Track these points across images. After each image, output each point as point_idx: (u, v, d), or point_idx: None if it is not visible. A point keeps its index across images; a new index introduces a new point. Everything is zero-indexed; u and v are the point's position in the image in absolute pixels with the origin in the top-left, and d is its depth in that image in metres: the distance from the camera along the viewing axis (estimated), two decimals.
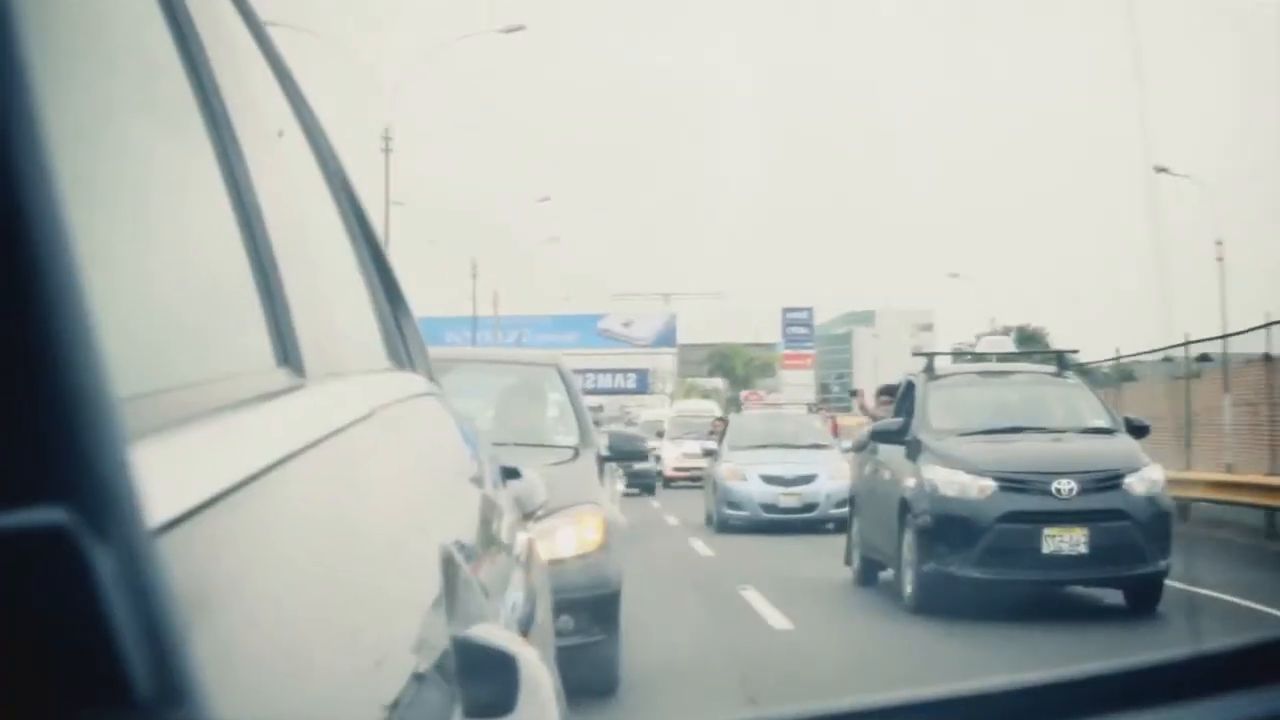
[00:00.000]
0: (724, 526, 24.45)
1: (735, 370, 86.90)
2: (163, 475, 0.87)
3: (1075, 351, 17.59)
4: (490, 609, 2.01)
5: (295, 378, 1.58)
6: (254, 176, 1.63)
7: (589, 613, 8.63)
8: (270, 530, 1.14)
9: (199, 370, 1.30)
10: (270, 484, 1.16)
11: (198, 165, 1.52)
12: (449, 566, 1.70)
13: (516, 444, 8.67)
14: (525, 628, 2.52)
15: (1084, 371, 20.57)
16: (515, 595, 2.54)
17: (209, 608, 0.85)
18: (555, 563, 8.03)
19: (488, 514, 2.63)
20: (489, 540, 2.54)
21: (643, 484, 35.39)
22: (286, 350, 1.60)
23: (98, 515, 0.60)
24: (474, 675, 1.52)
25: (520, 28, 45.01)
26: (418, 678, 1.34)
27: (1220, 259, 45.76)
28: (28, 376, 0.60)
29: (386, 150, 42.84)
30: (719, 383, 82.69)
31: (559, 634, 7.78)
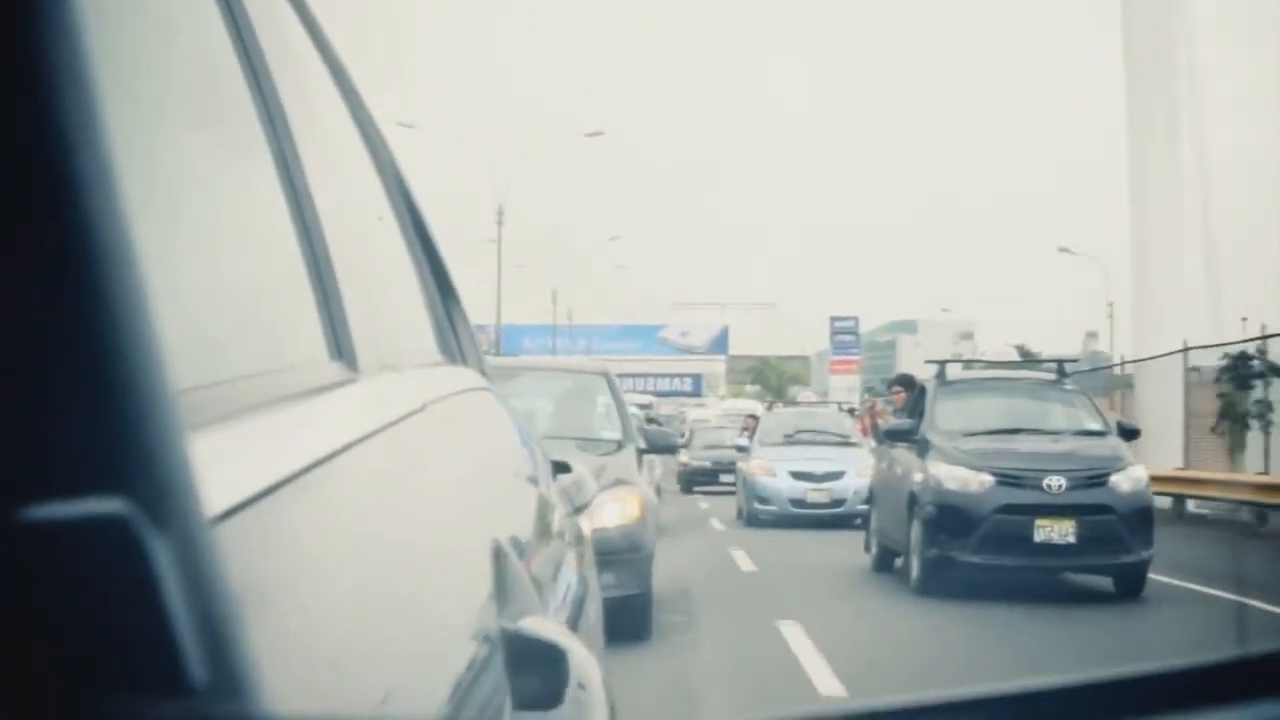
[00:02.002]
0: (753, 521, 24.05)
1: (770, 380, 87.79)
2: (219, 466, 0.85)
3: (1074, 360, 18.12)
4: (541, 602, 1.91)
5: (348, 371, 1.50)
6: (308, 172, 1.55)
7: (628, 571, 9.99)
8: (324, 522, 1.09)
9: (254, 363, 1.24)
10: (324, 477, 1.11)
11: (253, 162, 1.46)
12: (500, 560, 1.61)
13: (571, 438, 10.47)
14: (579, 608, 2.50)
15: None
16: (569, 577, 2.49)
17: (265, 599, 0.82)
18: (600, 530, 9.33)
19: (541, 504, 2.58)
20: (543, 530, 2.50)
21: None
22: (340, 344, 1.52)
23: (156, 506, 0.57)
24: (524, 668, 1.44)
25: (600, 133, 45.55)
26: (469, 670, 1.28)
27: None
28: (90, 370, 0.58)
29: (500, 223, 44.30)
30: (755, 389, 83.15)
31: (605, 588, 8.73)
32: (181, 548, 0.60)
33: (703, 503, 28.57)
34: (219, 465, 0.86)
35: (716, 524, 22.40)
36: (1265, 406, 24.69)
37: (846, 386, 73.12)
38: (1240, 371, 25.55)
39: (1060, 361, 16.86)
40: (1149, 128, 40.54)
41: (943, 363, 15.95)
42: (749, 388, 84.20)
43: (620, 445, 11.39)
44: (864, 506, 22.65)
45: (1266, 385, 24.96)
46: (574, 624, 2.31)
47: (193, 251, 1.19)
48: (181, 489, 0.62)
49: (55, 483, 0.57)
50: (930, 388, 15.29)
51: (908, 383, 17.04)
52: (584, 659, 1.67)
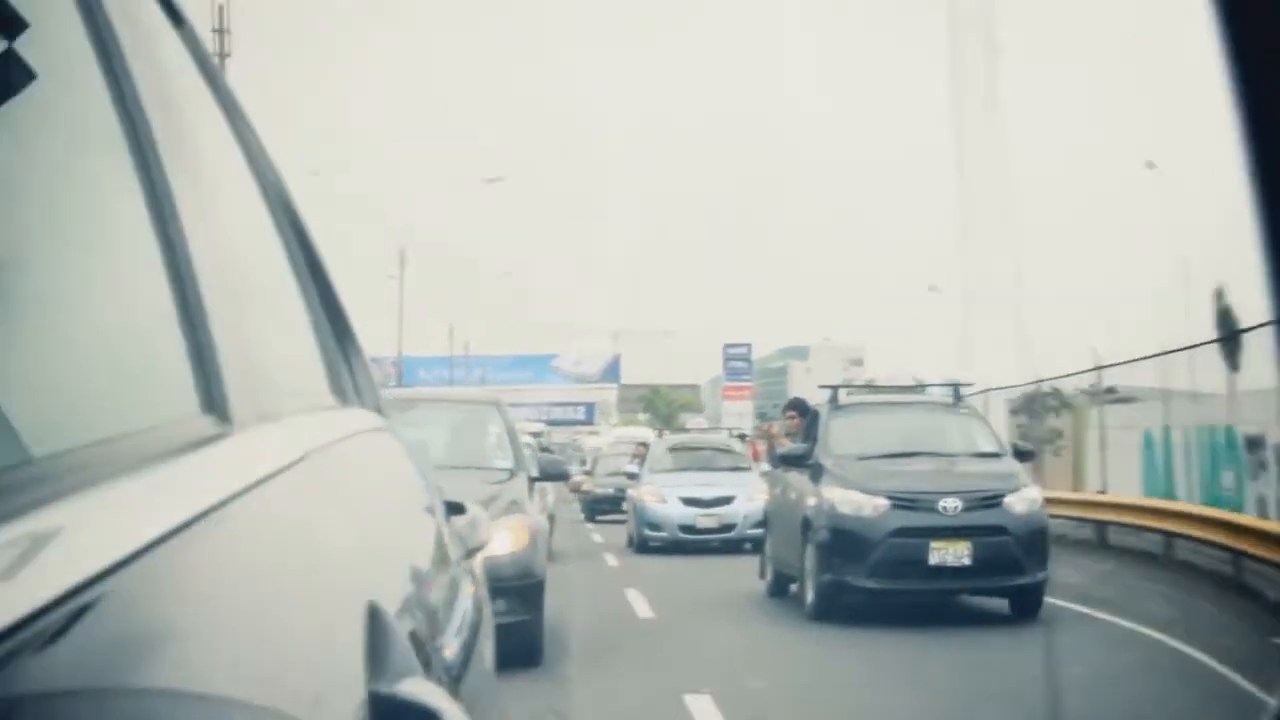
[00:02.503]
0: (644, 547, 24.07)
1: (660, 408, 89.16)
2: (65, 541, 0.80)
3: (969, 384, 17.98)
4: (430, 649, 1.86)
5: (220, 425, 1.39)
6: (179, 205, 1.43)
7: (518, 597, 10.09)
8: (184, 589, 1.00)
9: (114, 424, 1.15)
10: (186, 541, 1.03)
11: (111, 186, 1.34)
12: (375, 621, 1.53)
13: (464, 466, 10.63)
14: (476, 631, 2.48)
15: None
16: (465, 603, 2.47)
17: (105, 681, 0.76)
18: (491, 558, 9.03)
19: (436, 541, 2.52)
20: (442, 560, 2.45)
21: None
22: (212, 395, 1.41)
23: None
24: None
25: (500, 179, 44.99)
26: None
27: None
28: None
29: (401, 264, 43.36)
30: (646, 418, 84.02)
31: (496, 614, 8.75)
32: None
33: (596, 535, 28.00)
34: (65, 540, 0.80)
35: (610, 559, 21.94)
36: (1055, 434, 28.04)
37: (739, 412, 73.49)
38: (1034, 405, 29.33)
39: (956, 385, 16.61)
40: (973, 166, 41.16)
41: (836, 387, 15.67)
42: (640, 416, 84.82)
43: (512, 473, 11.47)
44: (754, 531, 23.10)
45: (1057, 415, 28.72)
46: (467, 656, 2.27)
47: (41, 294, 1.09)
48: None
49: None
50: (824, 412, 15.12)
51: (801, 407, 16.75)
52: (459, 718, 1.60)
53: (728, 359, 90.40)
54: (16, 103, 1.16)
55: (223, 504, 1.20)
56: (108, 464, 0.99)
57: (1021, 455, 14.85)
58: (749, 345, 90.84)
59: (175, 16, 1.83)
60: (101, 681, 0.75)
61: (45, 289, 1.11)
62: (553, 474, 13.29)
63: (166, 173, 1.41)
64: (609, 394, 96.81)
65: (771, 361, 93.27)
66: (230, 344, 1.49)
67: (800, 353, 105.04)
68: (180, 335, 1.38)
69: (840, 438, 14.52)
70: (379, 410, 2.82)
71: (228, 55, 34.87)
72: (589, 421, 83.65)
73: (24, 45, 1.20)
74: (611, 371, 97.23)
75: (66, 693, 0.71)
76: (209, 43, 2.02)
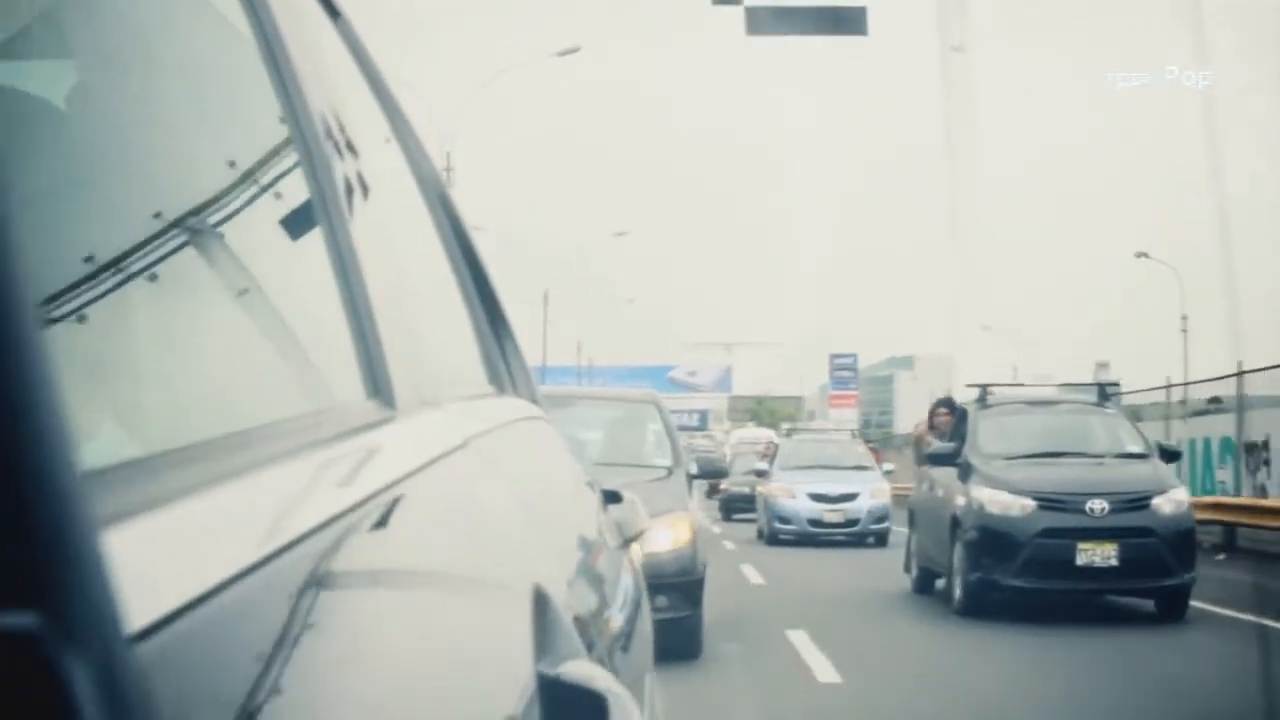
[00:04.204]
0: (773, 539, 24.59)
1: (764, 417, 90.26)
2: (233, 523, 0.78)
3: (1116, 384, 17.49)
4: (582, 645, 1.78)
5: (385, 410, 1.38)
6: (344, 198, 1.43)
7: (680, 593, 9.94)
8: (355, 569, 0.99)
9: (283, 407, 1.15)
10: (359, 519, 1.01)
11: (282, 185, 1.33)
12: (541, 603, 1.51)
13: (622, 464, 10.32)
14: (634, 617, 2.47)
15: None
16: (624, 589, 2.46)
17: (268, 661, 0.72)
18: (653, 555, 9.44)
19: (599, 523, 2.52)
20: (602, 545, 2.43)
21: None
22: (377, 381, 1.40)
23: (71, 621, 0.48)
24: (563, 715, 1.35)
25: (575, 49, 40.03)
26: None
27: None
28: None
29: (545, 306, 42.71)
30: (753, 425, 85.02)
31: (657, 610, 8.63)
32: (101, 669, 0.48)
33: (715, 528, 27.79)
34: (239, 519, 0.79)
35: (750, 574, 21.57)
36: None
37: (845, 420, 72.99)
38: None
39: (1102, 385, 16.06)
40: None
41: (984, 386, 15.16)
42: (749, 423, 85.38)
43: (671, 471, 11.14)
44: (877, 526, 23.12)
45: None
46: (627, 640, 2.27)
47: (216, 282, 1.10)
48: (98, 600, 0.50)
49: None
50: (972, 412, 14.67)
51: (951, 405, 16.21)
52: (625, 704, 1.56)
53: (834, 369, 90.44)
54: (184, 98, 1.17)
55: (391, 486, 1.18)
56: (280, 445, 0.99)
57: (1168, 456, 14.29)
58: (855, 356, 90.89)
59: (331, 9, 1.80)
60: (272, 660, 0.73)
61: (219, 278, 1.12)
62: (711, 472, 13.09)
63: (331, 165, 1.40)
64: (720, 403, 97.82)
65: (877, 370, 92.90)
66: (393, 332, 1.48)
67: (906, 362, 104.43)
68: (347, 323, 1.38)
69: (989, 437, 14.24)
70: (533, 400, 2.79)
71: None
72: (703, 428, 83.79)
73: (192, 42, 1.22)
74: (724, 382, 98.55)
75: (237, 673, 0.69)
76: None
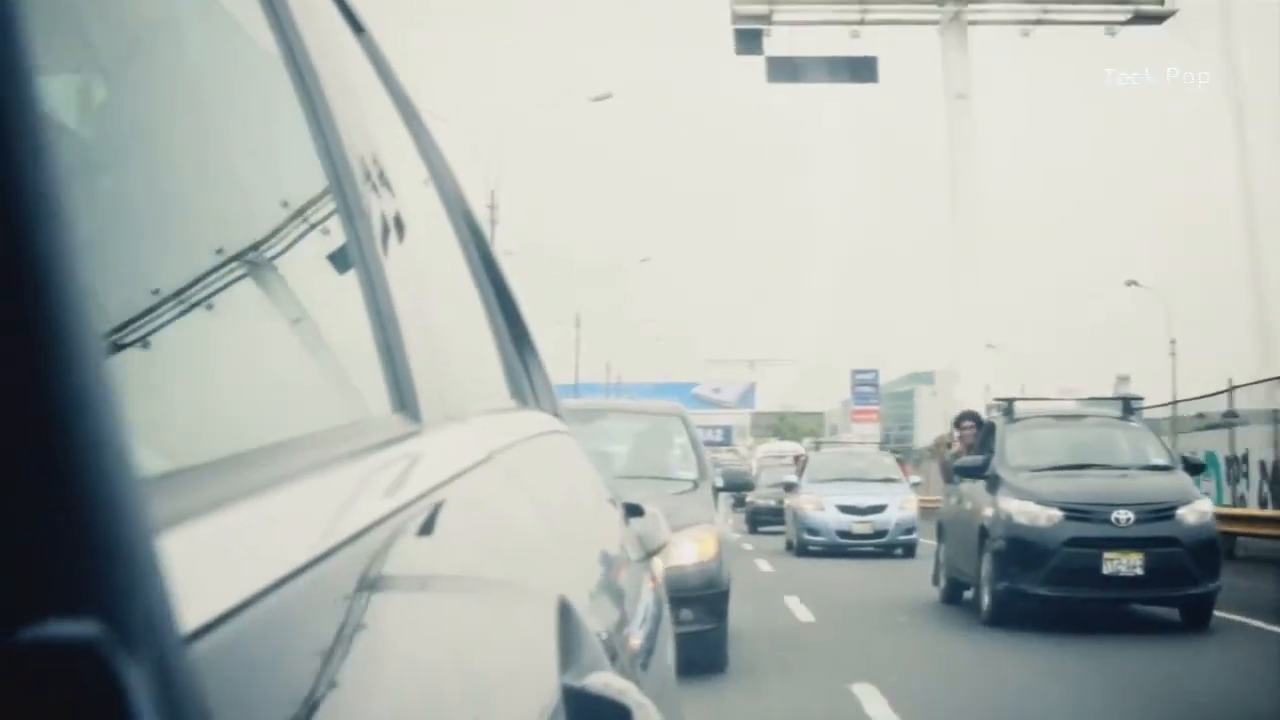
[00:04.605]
0: (802, 551, 24.56)
1: (785, 433, 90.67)
2: (263, 537, 0.78)
3: (1139, 398, 17.56)
4: (606, 657, 1.77)
5: (411, 424, 1.37)
6: (371, 217, 1.42)
7: (704, 607, 9.78)
8: (382, 582, 0.97)
9: (311, 421, 1.14)
10: (389, 530, 1.01)
11: (307, 197, 1.32)
12: (565, 615, 1.49)
13: (648, 477, 10.21)
14: (656, 629, 2.45)
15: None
16: (646, 601, 2.44)
17: (292, 689, 0.72)
18: (678, 568, 9.24)
19: (621, 536, 2.50)
20: (624, 558, 2.41)
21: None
22: (403, 396, 1.39)
23: (127, 626, 0.47)
24: None
25: (608, 95, 43.07)
26: None
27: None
28: (45, 473, 0.47)
29: (493, 221, 43.15)
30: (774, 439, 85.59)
31: (682, 623, 8.75)
32: (157, 675, 0.48)
33: (747, 545, 27.75)
34: (267, 533, 0.78)
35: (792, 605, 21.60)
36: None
37: (867, 435, 72.93)
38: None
39: (1126, 399, 16.13)
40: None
41: (1010, 399, 15.25)
42: (772, 439, 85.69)
43: (696, 484, 10.98)
44: (905, 537, 23.18)
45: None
46: (649, 652, 2.25)
47: (243, 296, 1.07)
48: (154, 606, 0.50)
49: (5, 600, 0.46)
50: (999, 424, 14.72)
51: (977, 419, 16.30)
52: (650, 715, 1.55)
53: (856, 384, 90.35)
54: (209, 111, 1.16)
55: (418, 499, 1.18)
56: (308, 459, 0.98)
57: (1192, 468, 14.38)
58: (876, 372, 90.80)
59: (355, 24, 1.80)
60: (300, 675, 0.73)
61: (246, 291, 1.10)
62: (737, 484, 12.95)
63: (356, 179, 1.39)
64: (744, 418, 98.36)
65: (898, 386, 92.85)
66: (419, 346, 1.47)
67: (926, 378, 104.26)
68: (372, 337, 1.37)
69: (1016, 450, 14.32)
70: (555, 413, 2.77)
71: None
72: (727, 443, 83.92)
73: (217, 52, 1.21)
74: (748, 398, 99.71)
75: (266, 687, 0.69)
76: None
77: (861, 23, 44.00)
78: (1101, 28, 42.96)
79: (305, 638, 0.77)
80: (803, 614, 14.58)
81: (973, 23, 44.22)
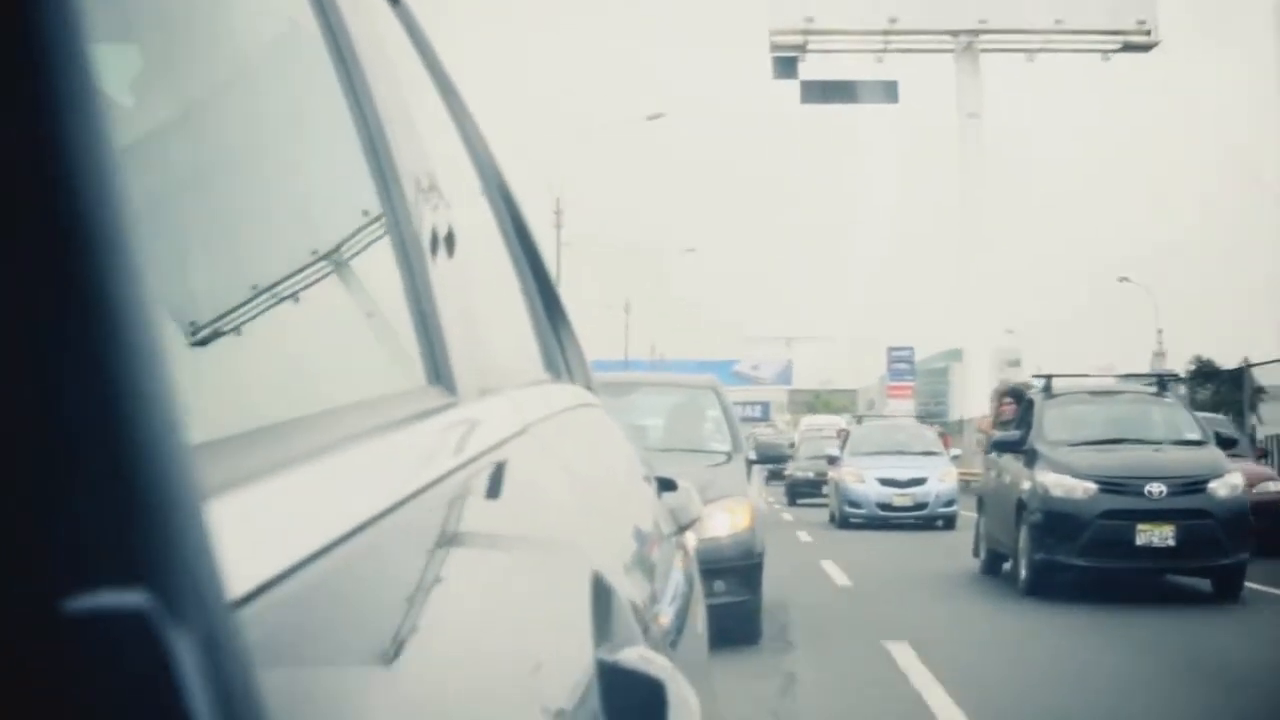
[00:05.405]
0: (844, 523, 24.51)
1: (819, 410, 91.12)
2: (303, 505, 0.76)
3: (1175, 375, 17.60)
4: (646, 619, 1.78)
5: (447, 396, 1.35)
6: (408, 191, 1.39)
7: (738, 578, 9.68)
8: (418, 554, 0.97)
9: (349, 392, 1.12)
10: (419, 507, 0.98)
11: (347, 176, 1.31)
12: (599, 589, 1.47)
13: (682, 450, 10.20)
14: (688, 603, 2.42)
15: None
16: (677, 575, 2.41)
17: (333, 654, 0.72)
18: (712, 540, 9.25)
19: (654, 510, 2.48)
20: (657, 532, 2.39)
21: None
22: (438, 368, 1.37)
23: (175, 595, 0.47)
24: (622, 701, 1.30)
25: (661, 115, 47.79)
26: (566, 706, 1.15)
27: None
28: (96, 443, 0.46)
29: (558, 226, 44.80)
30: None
31: (715, 595, 8.94)
32: (205, 644, 0.47)
33: (787, 514, 27.88)
34: (305, 504, 0.76)
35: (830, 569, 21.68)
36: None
37: (903, 411, 72.87)
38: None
39: (1161, 375, 16.22)
40: None
41: (1048, 376, 15.34)
42: (807, 414, 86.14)
43: (730, 457, 10.82)
44: (944, 509, 23.18)
45: None
46: (680, 626, 2.22)
47: (279, 270, 1.05)
48: (203, 576, 0.49)
49: (55, 570, 0.45)
50: (1037, 400, 14.83)
51: (1018, 395, 16.40)
52: (682, 689, 1.52)
53: (892, 361, 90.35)
54: (247, 84, 1.15)
55: (454, 471, 1.16)
56: (346, 429, 0.96)
57: (1225, 443, 14.46)
58: (911, 349, 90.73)
59: None
60: (337, 646, 0.72)
61: (283, 265, 1.08)
62: (771, 456, 12.78)
63: (393, 152, 1.37)
64: (781, 395, 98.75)
65: (933, 363, 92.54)
66: (454, 319, 1.45)
67: (957, 355, 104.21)
68: (408, 310, 1.35)
69: (1053, 425, 14.41)
70: (588, 386, 2.74)
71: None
72: (765, 418, 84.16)
73: (252, 27, 1.20)
74: (785, 375, 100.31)
75: (310, 653, 0.68)
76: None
77: (885, 50, 51.18)
78: (1097, 54, 50.84)
79: (345, 607, 0.75)
80: (840, 579, 14.77)
81: (984, 50, 50.94)
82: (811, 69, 51.69)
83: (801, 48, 51.14)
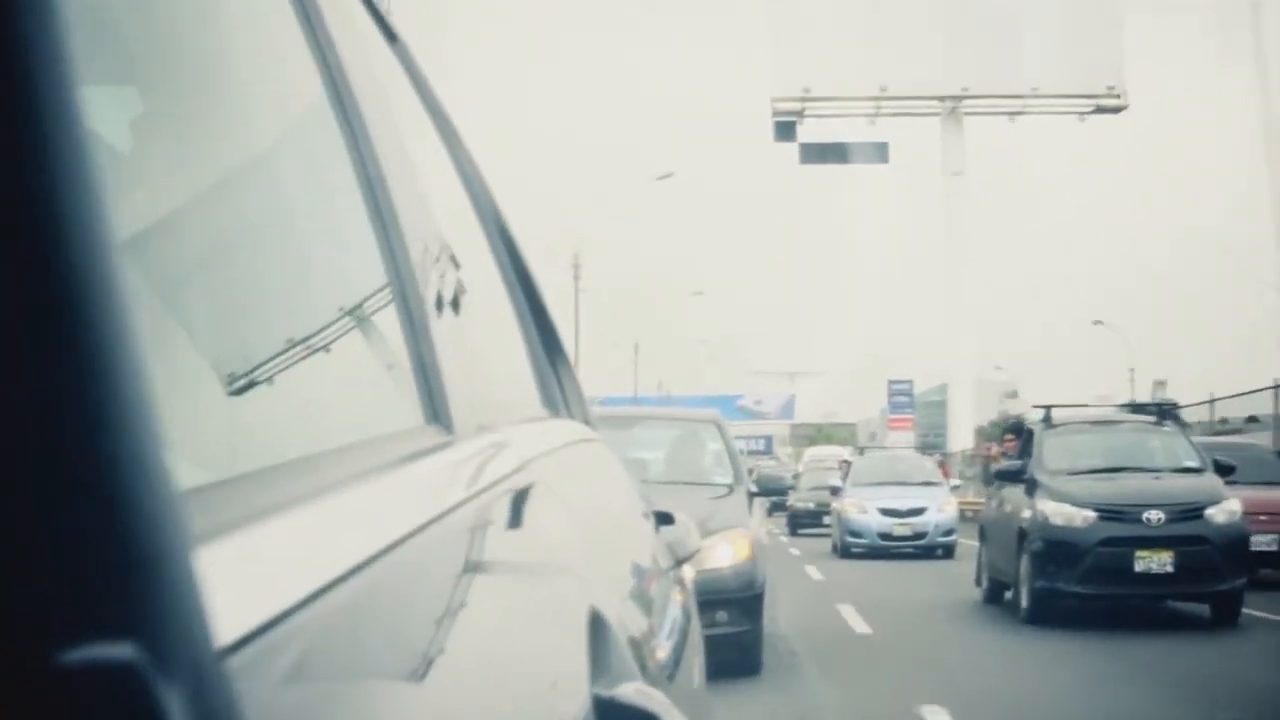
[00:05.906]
0: (846, 553, 24.55)
1: (820, 443, 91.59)
2: (301, 548, 0.76)
3: (1174, 404, 17.61)
4: (643, 655, 1.77)
5: (444, 435, 1.33)
6: (404, 228, 1.37)
7: (739, 608, 9.60)
8: (417, 592, 0.96)
9: (347, 433, 1.11)
10: (414, 547, 0.97)
11: (341, 207, 1.29)
12: (596, 625, 1.45)
13: (684, 483, 10.20)
14: (685, 638, 2.41)
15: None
16: (674, 610, 2.40)
17: (326, 698, 0.71)
18: (713, 571, 9.23)
19: (652, 544, 2.46)
20: (655, 567, 2.38)
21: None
22: (435, 407, 1.35)
23: (164, 647, 0.46)
24: None
25: (669, 174, 52.31)
26: None
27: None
28: (85, 496, 0.45)
29: (576, 278, 46.52)
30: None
31: (717, 625, 8.93)
32: (196, 695, 0.46)
33: (794, 548, 27.75)
34: (304, 544, 0.76)
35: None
36: None
37: (903, 442, 72.97)
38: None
39: (1161, 405, 16.22)
40: None
41: (1048, 407, 15.33)
42: (811, 447, 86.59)
43: (731, 489, 10.83)
44: (944, 539, 23.24)
45: None
46: (677, 661, 2.20)
47: (274, 307, 1.05)
48: (190, 626, 0.48)
49: (45, 622, 0.44)
50: (1037, 431, 14.84)
51: (1019, 430, 16.41)
52: None
53: (891, 394, 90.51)
54: (247, 121, 1.14)
55: (452, 510, 1.15)
56: (341, 471, 0.95)
57: (1223, 470, 14.43)
58: (911, 382, 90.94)
59: (389, 34, 1.77)
60: (329, 691, 0.71)
61: (277, 302, 1.08)
62: (772, 489, 12.83)
63: (390, 189, 1.36)
64: (784, 429, 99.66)
65: (931, 395, 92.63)
66: (451, 357, 1.44)
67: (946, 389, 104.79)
68: (406, 349, 1.34)
69: (1053, 455, 14.43)
70: (587, 421, 2.72)
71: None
72: (768, 452, 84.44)
73: (251, 63, 1.19)
74: (787, 410, 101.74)
75: (302, 700, 0.67)
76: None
77: (876, 114, 55.44)
78: (1073, 116, 54.95)
79: (339, 650, 0.74)
80: (859, 626, 14.25)
81: (968, 114, 55.30)
82: (809, 131, 56.06)
83: (799, 113, 55.64)
